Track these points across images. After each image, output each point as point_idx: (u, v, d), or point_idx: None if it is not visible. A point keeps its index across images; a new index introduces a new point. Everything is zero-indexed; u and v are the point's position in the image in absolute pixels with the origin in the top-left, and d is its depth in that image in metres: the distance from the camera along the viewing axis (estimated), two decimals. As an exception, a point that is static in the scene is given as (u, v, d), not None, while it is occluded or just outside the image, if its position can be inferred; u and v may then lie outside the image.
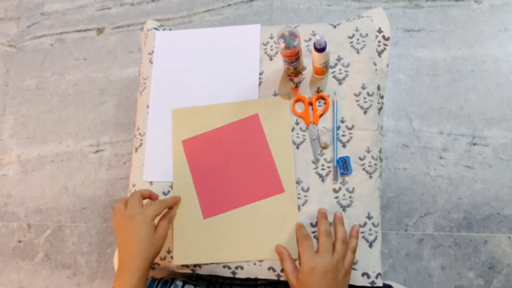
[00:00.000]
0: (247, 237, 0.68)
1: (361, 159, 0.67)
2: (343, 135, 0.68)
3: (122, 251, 0.62)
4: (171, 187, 0.72)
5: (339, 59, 0.71)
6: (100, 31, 1.16)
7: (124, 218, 0.61)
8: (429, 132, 0.91)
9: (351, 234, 0.63)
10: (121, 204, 0.63)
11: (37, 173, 1.09)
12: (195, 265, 0.69)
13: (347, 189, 0.67)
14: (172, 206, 0.69)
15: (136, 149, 0.77)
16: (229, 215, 0.69)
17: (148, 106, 0.77)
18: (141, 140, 0.76)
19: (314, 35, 0.74)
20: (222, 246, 0.68)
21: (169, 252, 0.70)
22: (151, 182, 0.73)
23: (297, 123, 0.71)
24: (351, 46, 0.71)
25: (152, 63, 0.79)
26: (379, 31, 0.73)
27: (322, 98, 0.71)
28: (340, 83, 0.70)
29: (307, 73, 0.72)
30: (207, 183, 0.71)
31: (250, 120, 0.72)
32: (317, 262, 0.58)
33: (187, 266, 0.69)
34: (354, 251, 0.62)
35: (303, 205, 0.68)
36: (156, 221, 0.64)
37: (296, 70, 0.70)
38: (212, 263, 0.68)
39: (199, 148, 0.73)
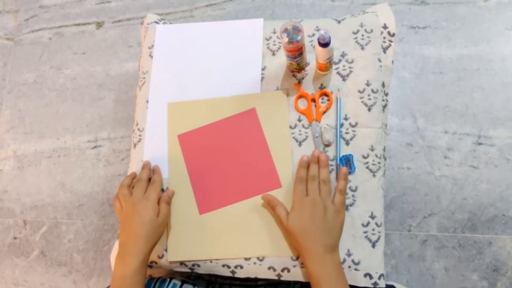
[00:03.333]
0: (244, 232, 0.67)
1: (364, 157, 0.66)
2: (347, 133, 0.67)
3: (124, 235, 0.63)
4: (170, 184, 0.71)
5: (343, 55, 0.70)
6: (99, 25, 1.15)
7: (128, 203, 0.64)
8: (433, 131, 0.90)
9: (339, 176, 0.64)
10: (126, 190, 0.66)
11: (33, 168, 1.08)
12: (193, 264, 0.68)
13: (350, 188, 0.65)
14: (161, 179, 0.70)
15: (135, 145, 0.75)
16: (226, 211, 0.68)
17: (147, 101, 0.76)
18: (140, 135, 0.75)
19: (317, 30, 0.72)
20: (218, 242, 0.67)
21: (167, 250, 0.68)
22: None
23: (299, 120, 0.69)
24: (356, 42, 0.70)
25: (152, 57, 0.78)
26: (385, 27, 0.71)
27: (326, 94, 0.69)
28: (344, 80, 0.69)
29: (311, 69, 0.71)
30: (203, 178, 0.70)
31: (247, 114, 0.71)
32: (306, 200, 0.62)
33: (185, 265, 0.68)
34: (342, 192, 0.63)
35: (305, 204, 0.66)
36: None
37: (299, 66, 0.68)
38: (210, 262, 0.67)
39: (195, 142, 0.71)
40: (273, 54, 0.73)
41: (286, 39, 0.61)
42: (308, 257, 0.59)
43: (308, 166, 0.65)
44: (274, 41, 0.74)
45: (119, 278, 0.59)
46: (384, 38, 0.71)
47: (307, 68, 0.71)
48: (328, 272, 0.58)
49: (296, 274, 0.64)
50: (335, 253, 0.60)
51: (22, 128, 1.12)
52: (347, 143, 0.67)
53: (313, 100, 0.69)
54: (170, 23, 0.82)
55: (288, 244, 0.65)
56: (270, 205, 0.65)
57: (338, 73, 0.69)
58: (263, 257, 0.66)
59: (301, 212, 0.62)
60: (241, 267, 0.66)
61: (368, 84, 0.68)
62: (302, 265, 0.64)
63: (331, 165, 0.67)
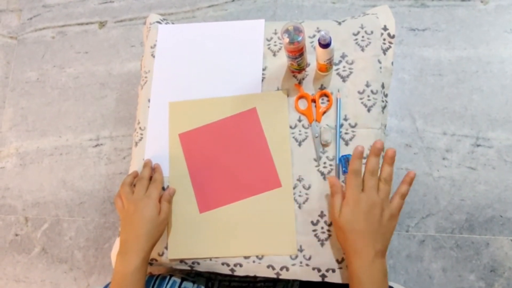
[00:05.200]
0: (244, 231, 0.67)
1: (364, 157, 0.66)
2: (346, 133, 0.68)
3: (125, 233, 0.63)
4: (171, 182, 0.72)
5: (343, 56, 0.71)
6: (102, 24, 1.15)
7: (130, 202, 0.64)
8: (432, 133, 0.90)
9: (404, 179, 0.60)
10: (128, 188, 0.66)
11: (35, 166, 1.08)
12: (193, 262, 0.68)
13: (349, 188, 0.66)
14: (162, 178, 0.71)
15: (136, 143, 0.76)
16: (226, 210, 0.68)
17: (149, 100, 0.76)
18: (141, 134, 0.76)
19: (318, 31, 0.73)
20: (218, 240, 0.67)
21: (167, 248, 0.69)
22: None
23: (299, 120, 0.70)
24: (356, 43, 0.71)
25: (154, 56, 0.79)
26: (385, 28, 0.72)
27: (326, 95, 0.70)
28: (344, 81, 0.70)
29: (311, 70, 0.72)
30: (204, 177, 0.70)
31: (248, 114, 0.71)
32: (362, 197, 0.57)
33: (185, 262, 0.69)
34: (402, 197, 0.58)
35: (304, 203, 0.67)
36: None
37: (300, 67, 0.69)
38: (209, 260, 0.68)
39: (196, 141, 0.72)
40: (274, 55, 0.74)
41: (287, 40, 0.61)
42: (356, 259, 0.56)
43: (362, 157, 0.60)
44: (275, 42, 0.75)
45: (119, 275, 0.60)
46: (384, 39, 0.71)
47: (307, 69, 0.72)
48: (375, 279, 0.55)
49: (294, 273, 0.65)
50: (384, 259, 0.57)
51: (24, 126, 1.12)
52: (347, 144, 0.67)
53: (313, 100, 0.70)
54: (172, 23, 0.82)
55: (337, 240, 0.62)
56: (332, 190, 0.61)
57: (338, 74, 0.70)
58: (262, 256, 0.66)
59: (356, 209, 0.57)
60: (240, 265, 0.67)
61: (367, 85, 0.68)
62: (344, 267, 0.62)
63: (331, 165, 0.67)
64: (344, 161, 0.66)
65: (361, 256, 0.55)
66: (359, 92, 0.68)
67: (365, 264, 0.55)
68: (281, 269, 0.65)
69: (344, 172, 0.65)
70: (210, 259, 0.68)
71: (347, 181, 0.59)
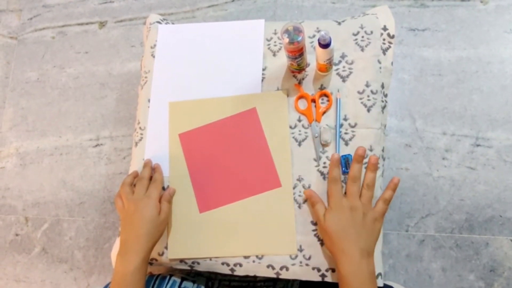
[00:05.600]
0: (244, 231, 0.67)
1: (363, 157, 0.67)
2: (346, 133, 0.68)
3: (125, 233, 0.64)
4: (171, 182, 0.72)
5: (343, 56, 0.71)
6: (102, 24, 1.15)
7: (130, 201, 0.65)
8: (432, 133, 0.90)
9: (388, 185, 0.62)
10: (128, 188, 0.67)
11: (35, 166, 1.08)
12: (193, 262, 0.68)
13: (349, 188, 0.66)
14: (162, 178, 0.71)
15: (136, 143, 0.76)
16: (226, 209, 0.69)
17: (149, 100, 0.76)
18: (141, 134, 0.76)
19: (318, 31, 0.73)
20: (218, 240, 0.68)
21: (167, 248, 0.69)
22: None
23: (299, 120, 0.70)
24: (356, 43, 0.71)
25: (154, 57, 0.79)
26: (384, 28, 0.72)
27: (325, 95, 0.70)
28: (343, 81, 0.70)
29: (311, 70, 0.72)
30: (204, 177, 0.70)
31: (248, 114, 0.72)
32: (344, 202, 0.60)
33: (185, 262, 0.69)
34: (386, 202, 0.61)
35: (304, 202, 0.67)
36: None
37: (300, 67, 0.69)
38: (209, 259, 0.68)
39: (196, 141, 0.72)
40: (274, 55, 0.74)
41: (287, 40, 0.61)
42: (342, 259, 0.58)
43: (362, 161, 0.62)
44: (275, 42, 0.75)
45: (119, 275, 0.60)
46: (384, 40, 0.71)
47: (307, 69, 0.72)
48: (362, 278, 0.56)
49: (294, 273, 0.65)
50: (371, 259, 0.58)
51: (24, 126, 1.12)
52: (346, 144, 0.67)
53: (313, 100, 0.70)
54: (173, 23, 0.82)
55: (324, 246, 0.64)
56: (311, 201, 0.65)
57: (338, 74, 0.70)
58: (262, 256, 0.66)
59: (339, 213, 0.60)
60: (240, 265, 0.67)
61: (367, 85, 0.68)
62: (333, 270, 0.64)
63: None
64: (344, 161, 0.66)
65: (347, 255, 0.57)
66: (359, 92, 0.68)
67: (352, 263, 0.57)
68: (281, 269, 0.65)
69: (344, 172, 0.65)
70: (210, 259, 0.68)
71: (328, 189, 0.63)
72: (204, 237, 0.68)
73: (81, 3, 1.19)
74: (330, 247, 0.61)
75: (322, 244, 0.65)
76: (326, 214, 0.61)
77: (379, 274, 0.63)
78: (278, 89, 0.72)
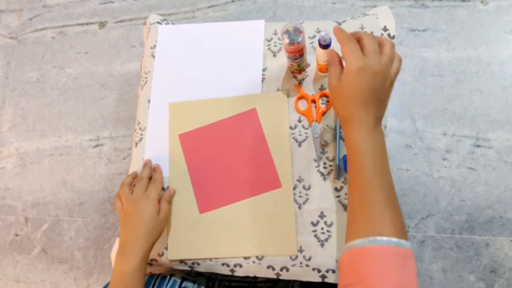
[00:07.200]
0: (243, 232, 0.67)
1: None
2: (346, 134, 0.67)
3: (124, 233, 0.63)
4: (171, 182, 0.72)
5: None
6: (102, 25, 1.15)
7: (129, 202, 0.65)
8: (432, 133, 0.90)
9: (383, 41, 0.55)
10: (127, 188, 0.67)
11: (35, 166, 1.08)
12: (193, 263, 0.68)
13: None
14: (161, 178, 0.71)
15: (136, 144, 0.76)
16: (226, 210, 0.68)
17: (149, 101, 0.76)
18: (141, 134, 0.76)
19: (318, 32, 0.73)
20: (218, 241, 0.67)
21: (167, 248, 0.69)
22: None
23: (299, 121, 0.70)
24: (356, 43, 0.70)
25: (154, 57, 0.79)
26: (385, 29, 0.72)
27: (326, 96, 0.70)
28: (344, 81, 0.69)
29: (311, 71, 0.72)
30: (204, 178, 0.70)
31: (248, 114, 0.71)
32: (366, 62, 0.52)
33: (185, 263, 0.69)
34: (401, 62, 0.55)
35: (304, 203, 0.67)
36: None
37: (300, 67, 0.69)
38: (209, 260, 0.68)
39: (196, 142, 0.72)
40: (274, 55, 0.74)
41: (287, 40, 0.61)
42: (356, 126, 0.54)
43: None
44: (275, 43, 0.75)
45: (119, 275, 0.60)
46: (384, 40, 0.71)
47: (307, 70, 0.72)
48: (376, 145, 0.53)
49: (295, 273, 0.65)
50: (381, 126, 0.55)
51: (24, 126, 1.12)
52: (347, 144, 0.67)
53: (313, 101, 0.70)
54: (173, 24, 0.82)
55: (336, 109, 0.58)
56: (331, 61, 0.57)
57: (338, 74, 0.70)
58: (262, 256, 0.66)
59: (359, 75, 0.52)
60: (240, 266, 0.67)
61: (367, 86, 0.68)
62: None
63: (331, 165, 0.67)
64: (344, 162, 0.66)
65: (362, 123, 0.53)
66: (359, 93, 0.68)
67: (366, 131, 0.53)
68: (281, 269, 0.65)
69: (344, 173, 0.65)
70: (210, 259, 0.68)
71: (343, 49, 0.54)
72: (204, 237, 0.68)
73: (81, 4, 1.19)
74: (340, 111, 0.56)
75: (322, 245, 0.65)
76: (343, 75, 0.54)
77: None
78: (278, 90, 0.72)
